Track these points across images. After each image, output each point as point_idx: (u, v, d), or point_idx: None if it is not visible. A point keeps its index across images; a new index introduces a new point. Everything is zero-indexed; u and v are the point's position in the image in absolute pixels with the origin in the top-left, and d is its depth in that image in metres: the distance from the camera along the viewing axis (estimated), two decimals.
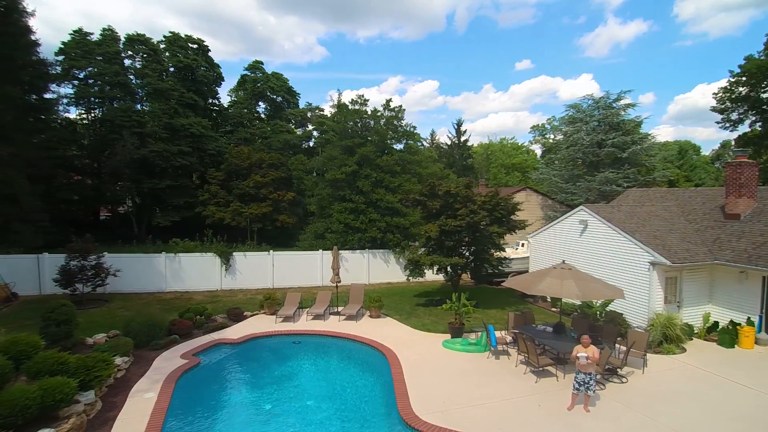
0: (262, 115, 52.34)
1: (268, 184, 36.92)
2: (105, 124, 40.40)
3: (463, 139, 67.26)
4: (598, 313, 14.85)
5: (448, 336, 14.35)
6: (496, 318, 17.01)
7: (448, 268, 18.22)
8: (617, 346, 12.63)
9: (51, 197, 36.38)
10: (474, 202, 16.98)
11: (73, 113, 46.58)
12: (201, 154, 41.21)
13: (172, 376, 11.30)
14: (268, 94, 48.39)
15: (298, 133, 49.47)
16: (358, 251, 23.58)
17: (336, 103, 51.92)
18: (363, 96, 26.27)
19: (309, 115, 52.50)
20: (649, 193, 22.09)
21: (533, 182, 57.63)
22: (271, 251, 22.39)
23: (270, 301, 16.91)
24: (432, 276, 20.40)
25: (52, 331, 11.59)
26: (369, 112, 26.04)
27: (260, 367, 12.76)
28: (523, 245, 25.55)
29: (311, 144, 50.32)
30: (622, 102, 30.52)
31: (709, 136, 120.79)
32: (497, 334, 13.21)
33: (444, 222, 16.64)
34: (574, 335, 12.13)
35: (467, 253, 18.37)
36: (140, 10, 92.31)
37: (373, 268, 23.87)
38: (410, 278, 18.27)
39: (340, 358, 13.46)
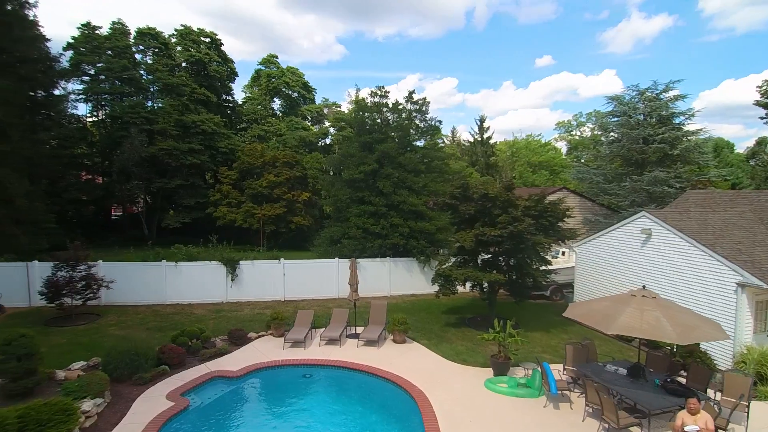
0: (277, 112, 50.37)
1: (282, 183, 34.84)
2: (115, 122, 38.84)
3: (485, 136, 64.37)
4: (673, 347, 12.15)
5: (489, 371, 11.84)
6: (542, 344, 14.43)
7: (485, 284, 15.67)
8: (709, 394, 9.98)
9: (58, 197, 35.00)
10: (516, 207, 14.39)
11: (82, 110, 45.35)
12: (213, 152, 39.34)
13: (152, 426, 9.08)
14: (283, 89, 46.27)
15: (314, 130, 47.26)
16: (378, 259, 21.18)
17: (354, 99, 50.07)
18: (383, 88, 23.85)
19: (326, 111, 50.33)
20: (713, 196, 19.15)
21: (562, 182, 54.48)
22: (282, 259, 20.15)
23: (278, 321, 14.61)
24: (461, 288, 17.85)
25: (10, 367, 9.47)
26: (390, 105, 23.56)
27: (260, 410, 10.47)
28: (563, 254, 22.80)
29: (327, 141, 48.10)
30: (671, 93, 27.48)
31: (736, 133, 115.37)
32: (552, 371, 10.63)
33: (481, 231, 14.09)
34: (657, 382, 9.50)
35: (505, 266, 15.76)
36: (162, 11, 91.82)
37: (395, 278, 21.45)
38: (440, 295, 15.74)
39: (359, 399, 11.06)
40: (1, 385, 9.64)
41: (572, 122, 76.58)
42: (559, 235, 15.30)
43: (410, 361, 12.70)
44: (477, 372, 12.00)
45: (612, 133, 30.10)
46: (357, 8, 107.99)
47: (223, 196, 35.05)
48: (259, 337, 14.73)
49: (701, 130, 27.38)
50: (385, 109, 23.63)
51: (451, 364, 12.66)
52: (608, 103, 29.85)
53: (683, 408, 7.86)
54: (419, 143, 24.68)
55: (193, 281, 19.29)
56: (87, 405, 9.25)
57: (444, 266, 16.44)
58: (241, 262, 19.66)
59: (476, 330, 15.55)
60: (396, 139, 23.02)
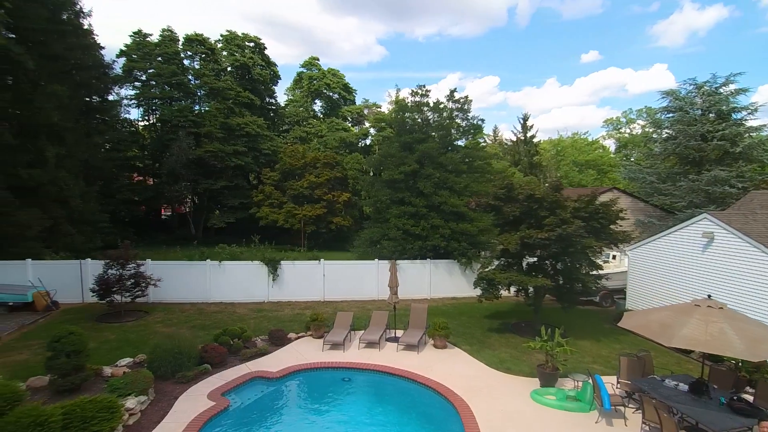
0: (318, 114, 50.91)
1: (322, 184, 35.09)
2: (164, 125, 40.41)
3: (529, 134, 62.58)
4: (738, 362, 11.14)
5: (535, 381, 11.25)
6: (592, 354, 13.63)
7: (530, 289, 15.02)
8: None
9: (111, 198, 36.72)
10: (564, 209, 13.67)
11: (134, 115, 47.42)
12: (256, 153, 40.18)
13: (193, 425, 9.14)
14: (324, 91, 46.66)
15: (354, 131, 47.40)
16: (418, 261, 20.82)
17: (394, 99, 49.83)
18: (424, 87, 23.45)
19: (366, 112, 50.38)
20: None
21: (610, 181, 52.10)
22: (321, 260, 20.16)
23: (317, 322, 14.55)
24: (505, 292, 17.16)
25: (60, 363, 9.80)
26: (431, 104, 23.13)
27: (299, 412, 10.37)
28: (614, 257, 21.64)
29: (367, 142, 48.13)
30: (731, 87, 25.56)
31: None
32: (604, 382, 9.93)
33: (527, 233, 13.47)
34: (723, 400, 8.68)
35: (552, 270, 15.03)
36: (213, 19, 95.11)
37: (435, 280, 21.01)
38: (483, 299, 15.21)
39: (398, 406, 10.76)
40: (51, 381, 9.99)
41: (621, 119, 73.52)
42: (611, 239, 14.40)
43: (451, 368, 12.27)
44: (522, 382, 11.43)
45: (666, 130, 28.39)
46: (397, 9, 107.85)
47: (266, 197, 35.70)
48: (299, 338, 14.71)
49: (765, 125, 25.35)
50: (426, 109, 23.25)
51: (495, 372, 12.13)
52: (662, 98, 28.16)
53: (750, 430, 7.10)
54: (460, 143, 24.12)
55: (236, 281, 19.60)
56: (131, 402, 9.42)
57: (487, 269, 15.87)
58: (282, 262, 19.81)
59: (520, 336, 14.93)
60: (437, 139, 22.59)
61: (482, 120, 23.91)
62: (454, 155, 22.05)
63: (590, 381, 9.97)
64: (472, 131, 23.96)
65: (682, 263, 15.17)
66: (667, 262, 15.84)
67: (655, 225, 24.91)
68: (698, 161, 25.45)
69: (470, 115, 23.59)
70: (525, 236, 13.39)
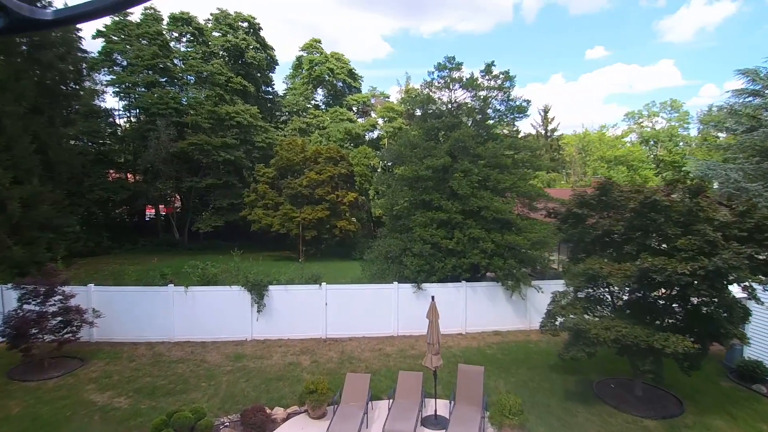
0: (320, 104, 45.91)
1: (325, 182, 30.03)
2: (144, 114, 35.38)
3: (550, 128, 57.45)
4: None
5: None
6: None
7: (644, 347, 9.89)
8: None
9: (82, 198, 31.84)
10: (708, 222, 8.60)
11: (113, 104, 42.73)
12: (248, 147, 35.10)
13: None
14: (327, 77, 41.53)
15: (361, 122, 42.35)
16: (450, 284, 15.81)
17: (405, 89, 44.72)
18: (454, 59, 18.35)
19: (373, 101, 45.29)
20: None
21: (641, 178, 46.96)
22: (323, 284, 15.14)
23: (316, 395, 9.53)
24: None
25: None
26: (463, 80, 18.04)
27: None
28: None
29: (375, 135, 43.07)
30: None
31: None
32: None
33: (652, 263, 8.38)
34: None
35: (684, 319, 9.89)
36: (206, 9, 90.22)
37: (473, 308, 15.99)
38: (570, 357, 10.07)
39: None
40: None
41: (643, 112, 68.46)
42: None
43: None
44: None
45: (742, 121, 23.17)
46: (404, 6, 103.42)
47: (259, 197, 30.69)
48: (289, 417, 9.70)
49: None
50: (457, 87, 18.15)
51: None
52: (739, 76, 22.94)
53: None
54: (506, 127, 19.13)
55: (209, 312, 14.64)
56: None
57: (562, 304, 10.84)
58: (271, 287, 14.82)
59: (621, 411, 9.94)
60: (474, 124, 17.60)
61: (527, 101, 18.84)
62: (495, 145, 17.00)
63: None
64: (515, 115, 18.89)
65: None
66: None
67: None
68: None
69: (512, 94, 18.54)
70: (651, 267, 8.31)
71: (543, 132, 56.51)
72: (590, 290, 10.70)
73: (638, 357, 9.31)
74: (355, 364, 12.72)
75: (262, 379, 11.70)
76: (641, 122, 68.90)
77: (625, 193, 9.44)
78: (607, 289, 10.34)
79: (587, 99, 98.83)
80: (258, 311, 14.71)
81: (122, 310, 14.36)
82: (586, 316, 10.25)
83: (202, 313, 14.56)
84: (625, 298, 10.49)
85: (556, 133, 57.48)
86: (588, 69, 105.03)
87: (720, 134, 58.90)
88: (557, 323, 10.85)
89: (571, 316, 10.28)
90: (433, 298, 9.80)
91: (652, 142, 61.69)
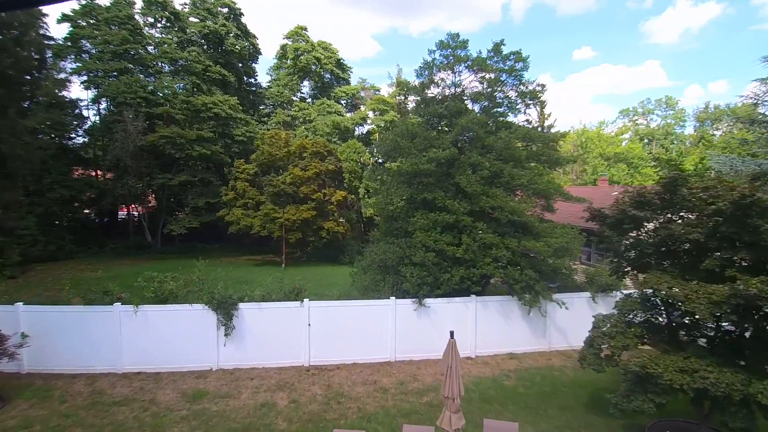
0: (307, 97, 43.19)
1: (310, 179, 27.35)
2: (111, 104, 32.31)
3: (547, 123, 55.30)
4: None
5: None
6: None
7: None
8: None
9: (41, 196, 28.77)
10: None
11: (80, 94, 39.37)
12: (227, 141, 32.28)
13: None
14: (314, 68, 38.80)
15: (349, 116, 39.69)
16: (457, 299, 13.34)
17: (396, 81, 42.14)
18: (458, 36, 15.89)
19: (363, 94, 42.68)
20: None
21: (642, 177, 45.05)
22: (306, 300, 12.55)
23: None
24: (578, 340, 9.45)
25: None
26: (469, 60, 15.55)
27: None
28: None
29: (365, 130, 40.41)
30: None
31: None
32: None
33: (748, 283, 5.98)
34: None
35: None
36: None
37: (484, 327, 13.52)
38: (633, 408, 7.60)
39: None
40: None
41: (638, 109, 67.04)
42: None
43: None
44: None
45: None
46: (393, 3, 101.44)
47: (238, 196, 27.93)
48: None
49: None
50: (462, 68, 15.66)
51: None
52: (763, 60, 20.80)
53: None
54: (513, 118, 16.77)
55: (166, 336, 11.97)
56: None
57: (606, 330, 8.45)
58: (242, 305, 12.19)
59: None
60: (482, 111, 15.17)
61: (542, 85, 16.48)
62: (508, 134, 14.56)
63: None
64: (528, 101, 16.51)
65: None
66: None
67: None
68: None
69: (525, 78, 16.15)
70: (759, 294, 5.88)
71: (539, 128, 54.43)
72: (648, 314, 8.28)
73: (727, 410, 6.88)
74: (344, 405, 10.17)
75: (227, 429, 9.09)
76: (635, 119, 67.63)
77: (708, 191, 7.01)
78: (679, 316, 7.91)
79: (575, 99, 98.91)
80: (225, 335, 12.07)
81: (59, 335, 11.70)
82: (645, 347, 7.86)
83: (156, 337, 11.89)
84: (708, 327, 8.07)
85: (552, 130, 55.41)
86: (575, 69, 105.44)
87: (716, 132, 57.70)
88: (602, 355, 8.52)
89: (621, 346, 7.92)
90: (452, 334, 7.19)
91: (646, 141, 60.21)
